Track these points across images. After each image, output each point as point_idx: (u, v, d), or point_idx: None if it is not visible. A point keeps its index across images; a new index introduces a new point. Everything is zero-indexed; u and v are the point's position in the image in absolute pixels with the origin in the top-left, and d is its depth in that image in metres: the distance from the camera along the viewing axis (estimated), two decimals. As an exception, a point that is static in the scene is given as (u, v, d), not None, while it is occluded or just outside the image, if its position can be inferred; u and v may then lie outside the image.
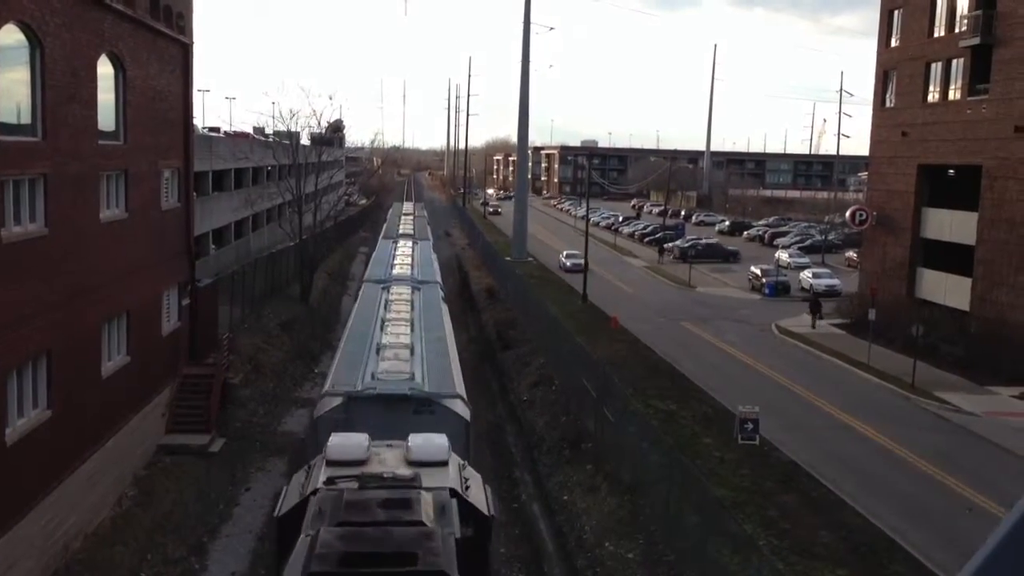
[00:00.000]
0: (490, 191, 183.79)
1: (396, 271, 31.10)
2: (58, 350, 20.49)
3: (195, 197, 35.66)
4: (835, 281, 57.71)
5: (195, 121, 37.29)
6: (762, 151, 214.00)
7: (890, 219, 45.25)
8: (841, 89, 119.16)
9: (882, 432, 28.65)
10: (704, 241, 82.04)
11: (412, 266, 32.50)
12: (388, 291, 26.60)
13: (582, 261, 59.82)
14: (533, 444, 29.93)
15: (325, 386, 16.73)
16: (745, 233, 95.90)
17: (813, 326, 46.22)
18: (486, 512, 12.58)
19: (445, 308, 27.40)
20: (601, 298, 51.99)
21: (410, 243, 41.87)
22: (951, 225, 41.40)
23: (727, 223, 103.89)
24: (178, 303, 30.53)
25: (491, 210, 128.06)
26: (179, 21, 29.53)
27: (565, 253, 70.19)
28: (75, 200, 21.49)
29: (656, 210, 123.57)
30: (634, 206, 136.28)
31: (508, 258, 67.24)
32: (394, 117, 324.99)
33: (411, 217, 61.26)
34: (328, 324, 48.39)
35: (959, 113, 40.37)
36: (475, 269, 69.18)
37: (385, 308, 23.99)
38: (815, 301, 48.63)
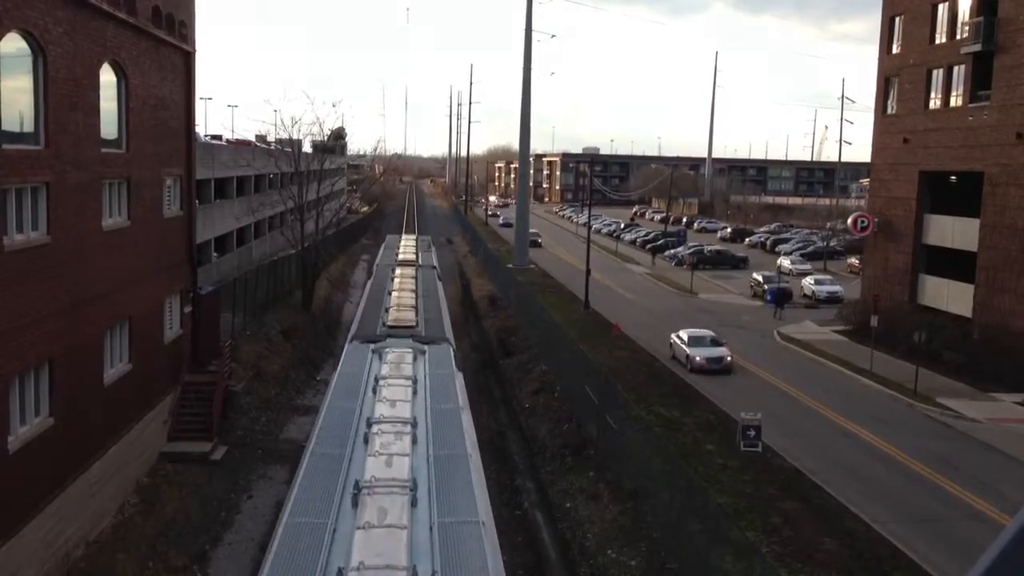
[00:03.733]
0: (492, 198, 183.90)
1: (369, 495, 11.00)
2: (60, 358, 20.50)
3: (197, 205, 35.73)
4: (837, 288, 57.68)
5: (197, 129, 37.33)
6: (764, 158, 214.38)
7: (892, 226, 45.25)
8: (843, 96, 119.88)
9: (885, 438, 28.61)
10: (714, 247, 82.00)
11: (410, 454, 12.63)
12: None
13: (723, 354, 37.68)
14: (535, 451, 29.95)
15: None
16: (747, 240, 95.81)
17: (779, 317, 50.38)
18: None
19: None
20: (603, 305, 51.99)
21: (409, 358, 18.93)
22: (953, 231, 41.38)
23: (729, 230, 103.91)
24: (180, 310, 30.55)
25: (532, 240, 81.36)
26: (181, 29, 29.61)
27: (688, 336, 39.06)
28: (77, 208, 21.52)
29: (658, 217, 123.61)
30: (634, 213, 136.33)
31: (510, 265, 67.26)
32: (396, 124, 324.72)
33: (412, 271, 35.05)
34: (330, 331, 48.42)
35: (960, 120, 40.39)
36: (477, 276, 69.27)
37: None
38: (780, 292, 52.81)
